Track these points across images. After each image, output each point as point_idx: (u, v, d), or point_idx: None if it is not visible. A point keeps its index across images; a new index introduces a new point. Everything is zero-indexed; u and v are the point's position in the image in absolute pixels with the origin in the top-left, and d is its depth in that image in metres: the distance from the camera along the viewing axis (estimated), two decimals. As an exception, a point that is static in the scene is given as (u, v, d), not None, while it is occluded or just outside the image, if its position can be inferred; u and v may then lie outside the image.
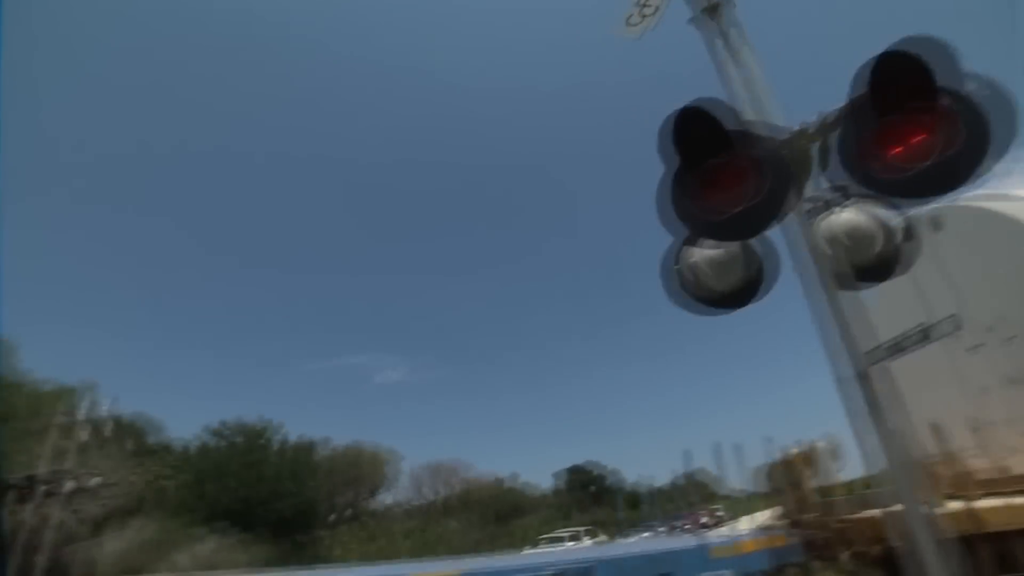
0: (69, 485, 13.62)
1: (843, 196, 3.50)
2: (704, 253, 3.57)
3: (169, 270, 73.65)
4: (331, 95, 78.57)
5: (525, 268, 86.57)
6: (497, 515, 42.63)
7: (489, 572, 5.01)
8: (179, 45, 68.97)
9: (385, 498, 45.67)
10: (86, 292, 65.39)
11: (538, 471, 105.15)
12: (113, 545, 17.17)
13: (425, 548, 29.24)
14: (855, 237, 3.42)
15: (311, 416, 71.03)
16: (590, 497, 54.06)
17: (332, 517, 34.84)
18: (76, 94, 65.16)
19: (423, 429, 73.13)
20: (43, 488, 12.66)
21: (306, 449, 37.39)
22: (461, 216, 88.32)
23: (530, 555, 14.62)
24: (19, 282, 60.32)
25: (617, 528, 38.02)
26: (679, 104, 2.96)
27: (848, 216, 3.46)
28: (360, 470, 40.89)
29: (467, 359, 78.13)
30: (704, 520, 31.50)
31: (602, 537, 25.59)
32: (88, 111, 67.55)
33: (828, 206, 3.54)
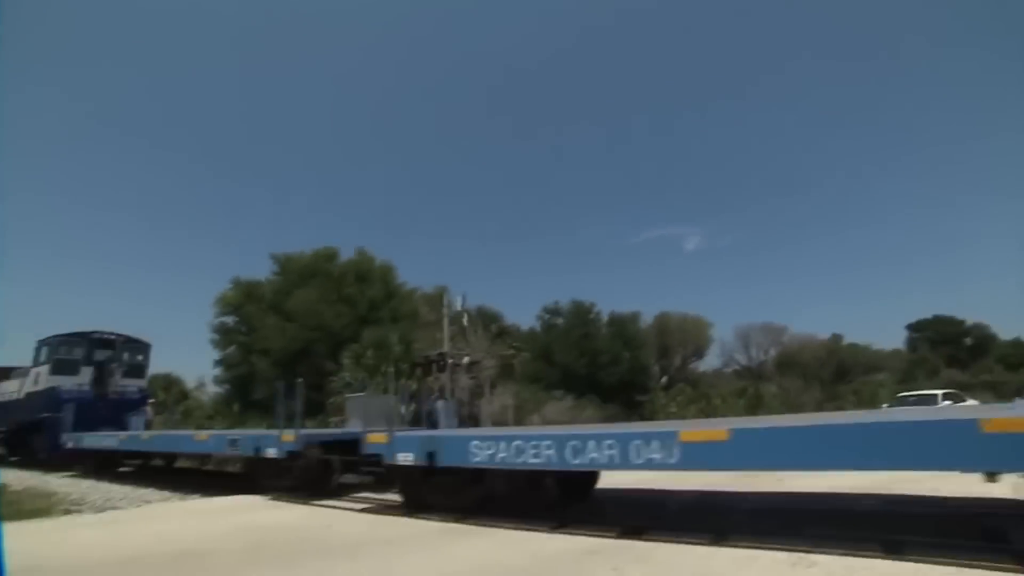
0: (464, 359, 18.13)
1: None
2: None
3: (495, 178, 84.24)
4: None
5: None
6: (833, 375, 39.91)
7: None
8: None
9: (709, 361, 46.87)
10: (432, 212, 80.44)
11: (876, 329, 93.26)
12: (498, 402, 22.13)
13: (758, 408, 29.26)
14: None
15: (631, 289, 75.76)
16: (947, 356, 45.83)
17: (663, 380, 37.73)
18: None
19: (738, 293, 71.29)
20: (449, 361, 17.04)
21: (629, 320, 40.65)
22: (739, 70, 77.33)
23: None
24: (382, 217, 77.24)
25: (993, 392, 31.17)
26: None
27: None
28: (681, 336, 42.65)
29: (772, 215, 71.27)
30: None
31: (970, 401, 20.96)
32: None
33: None
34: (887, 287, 68.48)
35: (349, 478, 9.87)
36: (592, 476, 7.94)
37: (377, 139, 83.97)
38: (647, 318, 43.36)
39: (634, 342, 39.15)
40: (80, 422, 15.44)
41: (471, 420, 16.61)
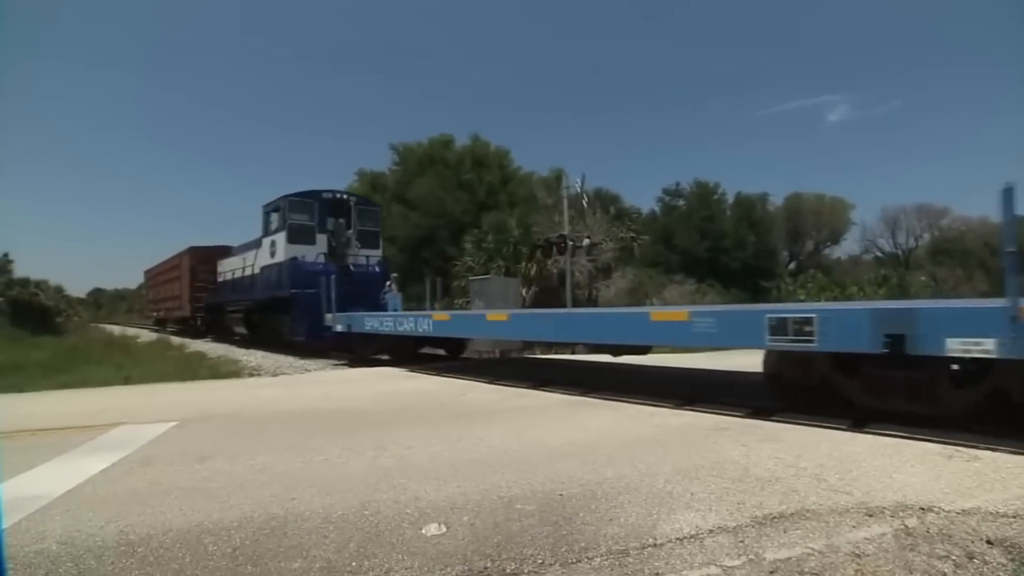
0: (584, 241, 18.09)
1: None
2: None
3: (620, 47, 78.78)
4: None
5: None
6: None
7: None
8: None
9: (846, 247, 42.98)
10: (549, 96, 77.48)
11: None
12: (617, 284, 22.14)
13: (900, 296, 26.63)
14: None
15: (760, 167, 69.76)
16: None
17: (791, 265, 35.21)
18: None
19: (889, 171, 62.85)
20: (570, 243, 17.05)
21: (757, 201, 37.70)
22: None
23: None
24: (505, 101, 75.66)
25: None
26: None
27: None
28: (815, 218, 39.00)
29: (945, 79, 59.70)
30: None
31: None
32: None
33: None
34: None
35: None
36: None
37: (486, 18, 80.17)
38: (776, 199, 39.87)
39: (761, 225, 36.45)
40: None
41: (590, 303, 16.81)
